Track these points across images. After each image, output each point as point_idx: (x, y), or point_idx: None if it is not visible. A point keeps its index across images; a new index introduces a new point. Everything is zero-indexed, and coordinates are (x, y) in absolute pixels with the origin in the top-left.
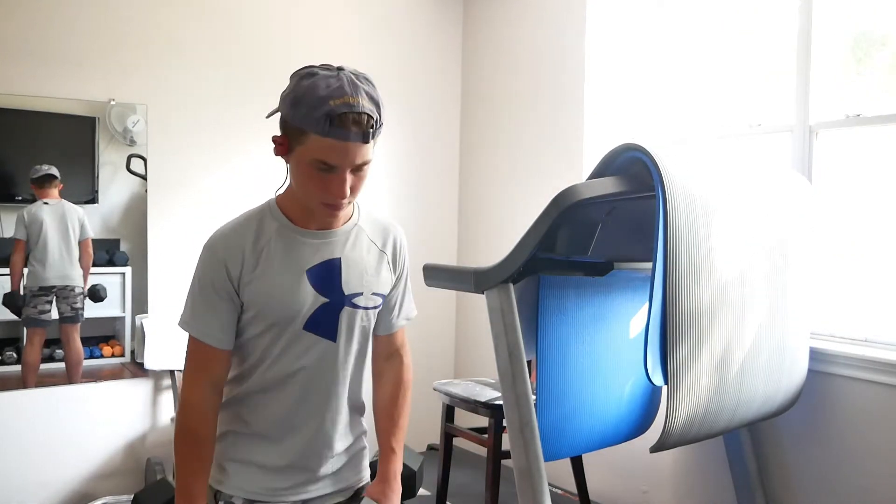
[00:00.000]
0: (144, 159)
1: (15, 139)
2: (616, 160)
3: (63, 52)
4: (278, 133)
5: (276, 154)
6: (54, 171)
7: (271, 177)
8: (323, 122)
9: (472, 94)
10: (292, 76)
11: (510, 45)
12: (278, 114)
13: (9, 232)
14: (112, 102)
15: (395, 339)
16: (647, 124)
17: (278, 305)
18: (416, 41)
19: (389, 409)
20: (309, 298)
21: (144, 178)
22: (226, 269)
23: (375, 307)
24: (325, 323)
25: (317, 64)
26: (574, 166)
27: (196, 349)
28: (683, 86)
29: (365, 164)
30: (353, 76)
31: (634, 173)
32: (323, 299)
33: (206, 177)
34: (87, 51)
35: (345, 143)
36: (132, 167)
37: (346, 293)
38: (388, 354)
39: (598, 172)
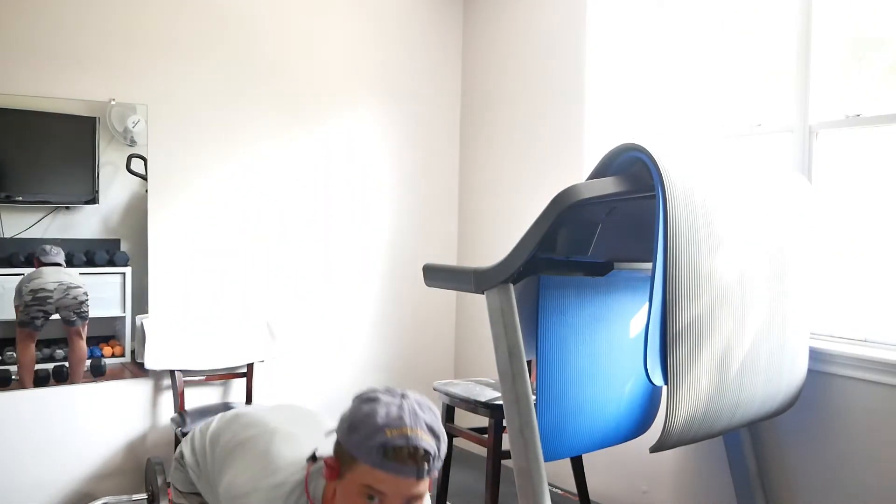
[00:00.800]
0: (145, 159)
1: (15, 139)
2: (616, 160)
3: (64, 52)
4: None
5: (327, 478)
6: (61, 257)
7: (271, 176)
8: (376, 454)
9: (472, 93)
10: (354, 398)
11: (510, 45)
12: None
13: (9, 232)
14: (112, 102)
15: None
16: (648, 124)
17: None
18: (417, 40)
19: None
20: None
21: (145, 178)
22: None
23: None
24: None
25: (382, 389)
26: (574, 166)
27: None
28: (683, 86)
29: (418, 499)
30: (416, 405)
31: (634, 173)
32: None
33: (206, 177)
34: (87, 51)
35: (396, 477)
36: (132, 167)
37: None
38: None
39: (598, 172)
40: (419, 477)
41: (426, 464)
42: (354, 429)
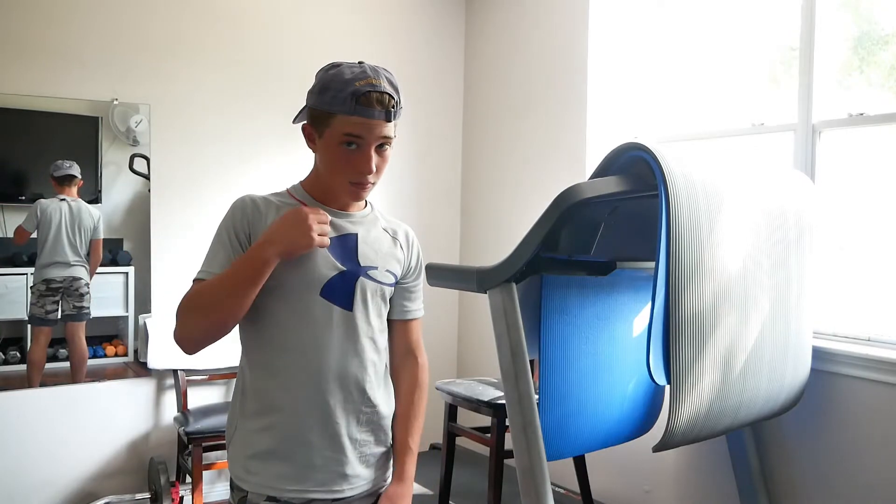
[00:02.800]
0: (147, 159)
1: (19, 139)
2: (619, 159)
3: (66, 53)
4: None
5: (308, 143)
6: (76, 169)
7: (273, 175)
8: (350, 101)
9: (474, 93)
10: (318, 72)
11: (513, 45)
12: (302, 113)
13: (11, 232)
14: (115, 102)
15: (410, 332)
16: (650, 123)
17: (296, 268)
18: (419, 41)
19: (406, 408)
20: (326, 264)
21: (147, 177)
22: (249, 223)
23: (389, 284)
24: (341, 290)
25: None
26: (577, 165)
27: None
28: (686, 85)
29: (387, 141)
30: (373, 65)
31: (637, 172)
32: (340, 267)
33: (208, 176)
34: (90, 51)
35: (370, 119)
36: (135, 167)
37: (362, 264)
38: (403, 351)
39: (601, 171)
40: (387, 119)
41: (392, 108)
42: (326, 88)
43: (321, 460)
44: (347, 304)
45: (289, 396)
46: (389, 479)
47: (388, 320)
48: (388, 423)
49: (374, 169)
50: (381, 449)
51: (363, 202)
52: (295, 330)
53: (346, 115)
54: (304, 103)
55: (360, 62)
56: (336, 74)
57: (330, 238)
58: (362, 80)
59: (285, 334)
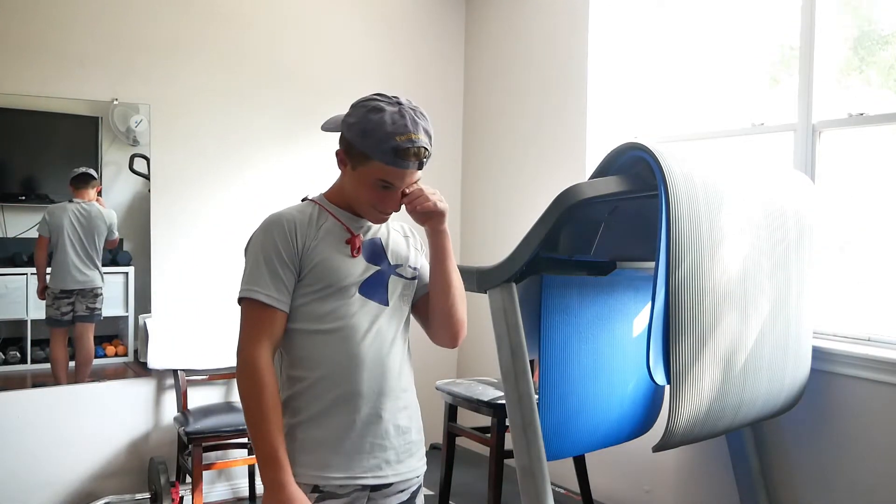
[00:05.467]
0: (147, 159)
1: (19, 139)
2: (619, 159)
3: (66, 53)
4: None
5: (340, 165)
6: (92, 171)
7: (273, 175)
8: (389, 155)
9: (474, 92)
10: (357, 106)
11: (512, 45)
12: (335, 129)
13: (11, 232)
14: (115, 102)
15: None
16: (650, 123)
17: (337, 270)
18: (419, 40)
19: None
20: (361, 266)
21: (147, 177)
22: (291, 238)
23: (413, 278)
24: (377, 288)
25: (379, 96)
26: (577, 165)
27: (258, 314)
28: (686, 85)
29: (415, 182)
30: (412, 112)
31: (637, 172)
32: (374, 268)
33: (208, 176)
34: (90, 51)
35: (403, 171)
36: (135, 167)
37: (392, 263)
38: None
39: (601, 171)
40: (419, 168)
41: (425, 159)
42: (367, 134)
43: (368, 447)
44: (384, 300)
45: (332, 384)
46: (425, 468)
47: (415, 302)
48: (418, 409)
49: (400, 207)
50: (418, 437)
51: None
52: (340, 326)
53: (383, 164)
54: (339, 126)
55: (398, 102)
56: (378, 123)
57: (363, 242)
58: (403, 135)
59: (331, 331)
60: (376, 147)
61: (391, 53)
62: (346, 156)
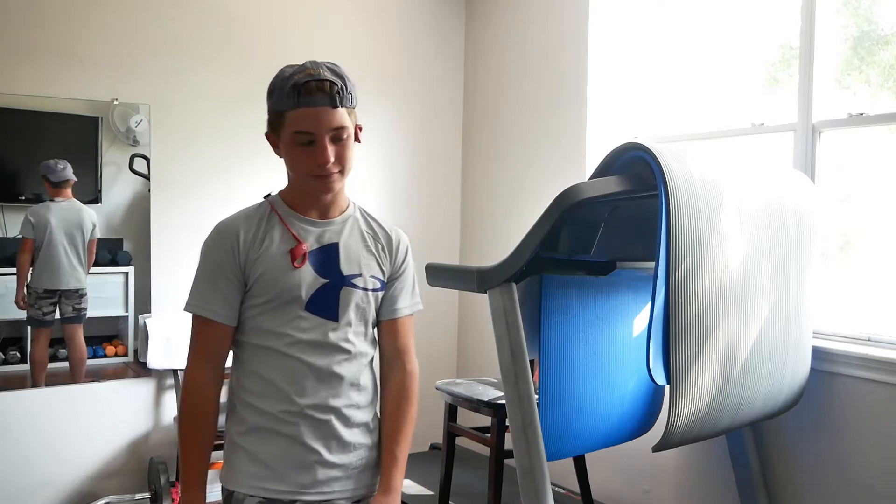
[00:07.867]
0: (147, 159)
1: (18, 139)
2: (619, 159)
3: (66, 53)
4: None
5: (274, 149)
6: (69, 171)
7: (273, 175)
8: (291, 96)
9: (474, 93)
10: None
11: (512, 45)
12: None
13: (11, 232)
14: (115, 102)
15: (398, 333)
16: (650, 123)
17: (278, 283)
18: (419, 41)
19: (392, 418)
20: (308, 278)
21: (147, 177)
22: (232, 249)
23: (374, 290)
24: (326, 303)
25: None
26: (577, 165)
27: (200, 328)
28: (686, 85)
29: (341, 130)
30: (316, 61)
31: (637, 172)
32: (323, 280)
33: (208, 176)
34: (90, 51)
35: (314, 108)
36: (135, 167)
37: (344, 274)
38: (391, 354)
39: (601, 171)
40: (333, 105)
41: (337, 94)
42: (272, 91)
43: (311, 463)
44: (333, 315)
45: (280, 398)
46: (376, 487)
47: (377, 322)
48: (376, 425)
49: (332, 159)
50: (372, 454)
51: (343, 203)
52: (284, 341)
53: (292, 110)
54: None
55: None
56: (278, 75)
57: (311, 251)
58: (301, 72)
59: (276, 347)
60: (281, 97)
61: (391, 54)
62: (271, 130)
